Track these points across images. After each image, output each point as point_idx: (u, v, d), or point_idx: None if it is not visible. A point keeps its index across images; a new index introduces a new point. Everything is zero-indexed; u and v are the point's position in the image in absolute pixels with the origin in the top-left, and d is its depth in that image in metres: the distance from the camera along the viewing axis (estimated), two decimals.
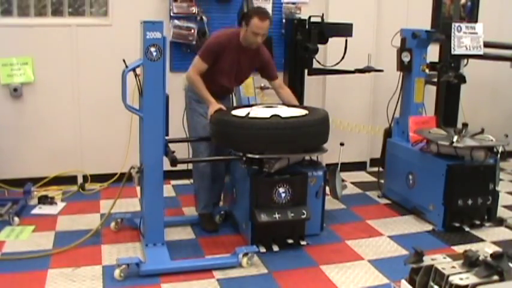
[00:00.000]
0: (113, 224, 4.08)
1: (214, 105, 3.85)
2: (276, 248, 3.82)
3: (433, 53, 4.93)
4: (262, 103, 4.31)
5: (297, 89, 4.83)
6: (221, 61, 3.92)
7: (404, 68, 4.82)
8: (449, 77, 4.62)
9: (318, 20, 4.62)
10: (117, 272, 3.32)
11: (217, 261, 3.60)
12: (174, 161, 3.61)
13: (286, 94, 4.21)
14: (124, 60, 3.48)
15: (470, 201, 4.19)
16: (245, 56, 4.00)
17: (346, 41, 4.67)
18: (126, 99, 3.54)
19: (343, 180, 4.61)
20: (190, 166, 5.30)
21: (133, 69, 3.48)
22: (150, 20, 3.43)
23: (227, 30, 4.08)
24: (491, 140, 4.28)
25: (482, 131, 4.40)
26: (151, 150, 3.54)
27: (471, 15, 6.05)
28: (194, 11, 5.07)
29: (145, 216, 3.68)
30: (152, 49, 3.38)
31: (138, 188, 4.25)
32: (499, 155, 4.36)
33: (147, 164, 3.56)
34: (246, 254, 3.55)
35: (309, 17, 4.64)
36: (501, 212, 4.60)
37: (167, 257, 3.56)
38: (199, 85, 3.91)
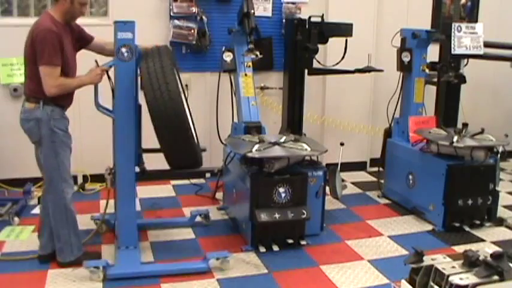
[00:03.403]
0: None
1: (93, 71, 3.41)
2: (276, 248, 3.81)
3: (433, 53, 4.93)
4: None
5: (297, 89, 4.83)
6: (64, 54, 3.30)
7: (404, 68, 4.82)
8: (449, 77, 4.62)
9: (318, 20, 4.62)
10: (89, 275, 3.28)
11: (187, 266, 3.52)
12: (143, 172, 3.53)
13: (111, 43, 3.48)
14: (96, 61, 3.47)
15: (470, 201, 4.19)
16: (71, 34, 3.43)
17: (346, 41, 4.67)
18: (98, 99, 3.47)
19: (343, 180, 4.61)
20: None
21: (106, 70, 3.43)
22: (121, 20, 3.37)
23: (42, 21, 3.29)
24: (491, 140, 4.29)
25: (482, 131, 4.40)
26: (124, 151, 3.44)
27: (471, 15, 6.05)
28: (194, 11, 5.07)
29: (118, 218, 3.57)
30: (123, 49, 3.30)
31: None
32: (499, 155, 4.36)
33: (119, 165, 3.46)
34: (217, 259, 3.50)
35: (309, 17, 4.63)
36: (501, 212, 4.60)
37: (138, 261, 3.48)
38: (68, 81, 3.32)
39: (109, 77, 3.46)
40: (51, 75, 3.21)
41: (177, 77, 3.42)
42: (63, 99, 3.38)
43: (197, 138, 3.75)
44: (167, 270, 3.44)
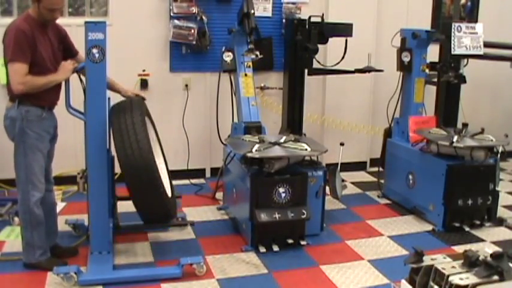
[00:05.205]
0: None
1: (63, 67, 3.35)
2: (276, 248, 3.81)
3: (433, 53, 4.93)
4: None
5: (297, 89, 4.83)
6: (38, 53, 3.22)
7: (404, 68, 4.82)
8: (449, 77, 4.62)
9: (318, 20, 4.62)
10: (59, 282, 3.23)
11: (160, 271, 3.47)
12: (117, 228, 3.49)
13: None
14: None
15: (470, 201, 4.19)
16: (54, 35, 3.39)
17: (346, 41, 4.67)
18: (70, 102, 3.43)
19: (343, 180, 4.61)
20: (190, 166, 5.35)
21: (78, 71, 3.41)
22: (92, 20, 3.36)
23: (17, 21, 3.27)
24: (491, 140, 4.29)
25: (482, 131, 4.40)
26: (96, 155, 3.38)
27: (471, 15, 6.05)
28: (194, 11, 5.07)
29: (91, 223, 3.50)
30: (94, 50, 3.23)
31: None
32: (499, 155, 4.36)
33: (91, 167, 3.41)
34: (191, 264, 3.44)
35: (309, 17, 4.63)
36: (501, 212, 4.60)
37: (110, 267, 3.41)
38: (36, 78, 3.20)
39: (81, 79, 3.42)
40: (17, 72, 3.14)
41: (149, 131, 3.44)
42: (40, 99, 3.28)
43: (172, 186, 3.80)
44: (139, 276, 3.38)
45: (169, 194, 3.57)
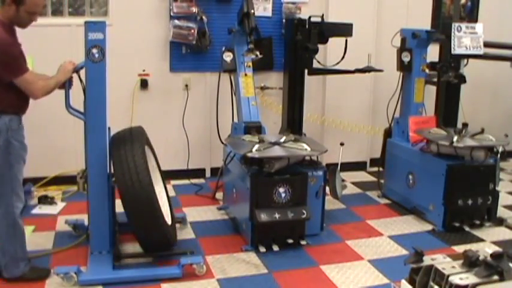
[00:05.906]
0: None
1: (63, 67, 3.33)
2: (276, 248, 3.81)
3: (433, 53, 4.93)
4: None
5: (297, 89, 4.83)
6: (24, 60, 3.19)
7: (404, 68, 4.82)
8: (449, 77, 4.62)
9: (318, 20, 4.62)
10: (59, 282, 3.22)
11: (160, 271, 3.45)
12: (118, 257, 3.50)
13: None
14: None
15: (470, 201, 4.19)
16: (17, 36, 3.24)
17: (346, 41, 4.67)
18: (70, 102, 3.41)
19: (343, 180, 4.61)
20: (190, 166, 5.36)
21: (77, 71, 3.39)
22: (91, 20, 3.36)
23: None
24: (491, 140, 4.29)
25: (482, 131, 4.40)
26: (96, 154, 3.39)
27: (471, 15, 6.05)
28: (194, 11, 5.07)
29: (90, 223, 3.50)
30: (94, 50, 3.24)
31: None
32: (499, 155, 4.37)
33: (91, 168, 3.42)
34: (191, 264, 3.43)
35: (309, 17, 4.63)
36: (501, 212, 4.60)
37: (110, 266, 3.39)
38: (46, 82, 3.21)
39: (80, 79, 3.42)
40: (30, 81, 3.11)
41: (149, 159, 3.49)
42: (19, 108, 3.20)
43: (172, 213, 3.87)
44: (139, 276, 3.37)
45: (169, 222, 3.62)
